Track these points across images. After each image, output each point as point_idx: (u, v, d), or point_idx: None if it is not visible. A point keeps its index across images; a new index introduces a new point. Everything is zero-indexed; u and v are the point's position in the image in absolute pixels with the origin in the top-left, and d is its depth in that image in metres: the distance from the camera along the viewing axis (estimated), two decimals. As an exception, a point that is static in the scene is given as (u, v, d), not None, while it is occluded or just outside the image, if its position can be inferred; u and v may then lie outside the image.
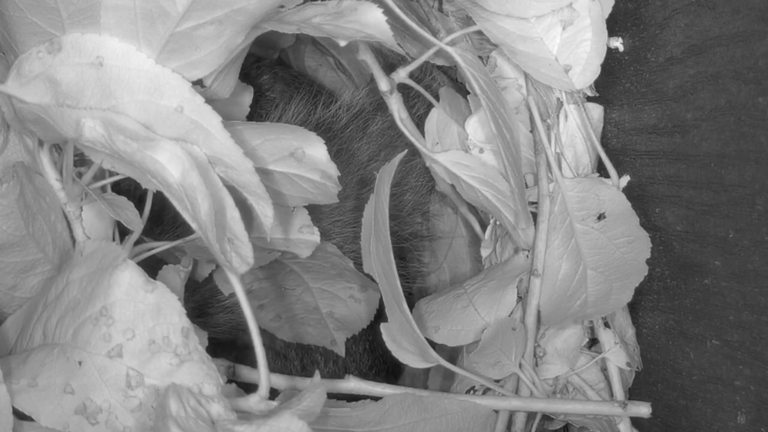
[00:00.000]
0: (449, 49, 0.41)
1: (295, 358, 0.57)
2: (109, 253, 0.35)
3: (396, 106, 0.45)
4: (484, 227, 0.54)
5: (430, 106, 0.49)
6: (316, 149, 0.40)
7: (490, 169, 0.44)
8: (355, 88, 0.57)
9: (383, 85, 0.44)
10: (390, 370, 0.61)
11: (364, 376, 0.43)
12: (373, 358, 0.59)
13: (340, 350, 0.52)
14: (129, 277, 0.34)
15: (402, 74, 0.45)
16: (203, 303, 0.52)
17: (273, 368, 0.37)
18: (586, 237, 0.44)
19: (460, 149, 0.46)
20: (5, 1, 0.34)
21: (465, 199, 0.46)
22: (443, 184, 0.49)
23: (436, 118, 0.48)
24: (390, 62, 0.55)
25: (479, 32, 0.45)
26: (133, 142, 0.33)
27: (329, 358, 0.58)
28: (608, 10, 0.44)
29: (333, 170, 0.40)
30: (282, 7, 0.37)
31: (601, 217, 0.44)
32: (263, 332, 0.52)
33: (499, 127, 0.40)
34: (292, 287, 0.52)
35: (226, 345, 0.53)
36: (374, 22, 0.37)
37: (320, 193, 0.41)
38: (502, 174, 0.44)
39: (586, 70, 0.44)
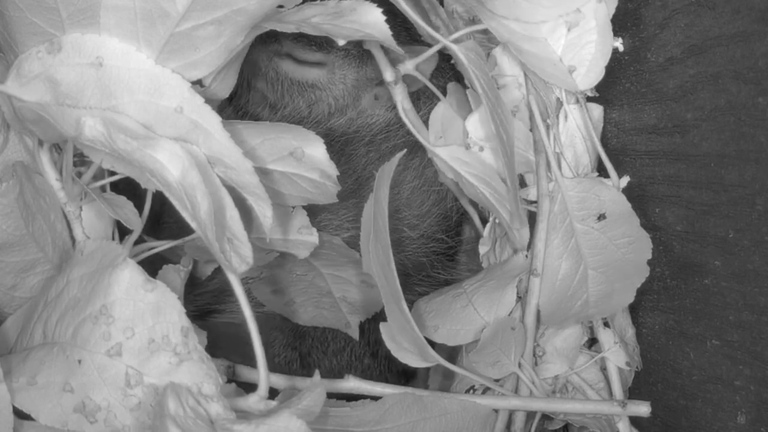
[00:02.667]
0: (453, 46, 0.41)
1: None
2: (110, 253, 0.35)
3: (400, 97, 0.45)
4: (484, 221, 0.54)
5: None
6: (316, 148, 0.40)
7: (488, 167, 0.44)
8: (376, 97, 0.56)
9: (388, 75, 0.44)
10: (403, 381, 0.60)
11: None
12: (380, 366, 0.59)
13: (354, 333, 0.52)
14: (129, 276, 0.34)
15: (409, 66, 0.45)
16: (213, 299, 0.52)
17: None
18: (586, 237, 0.44)
19: (462, 145, 0.46)
20: (5, 1, 0.34)
21: (467, 194, 0.46)
22: (444, 176, 0.49)
23: (441, 112, 0.48)
24: (392, 57, 0.55)
25: (482, 31, 0.45)
26: (133, 140, 0.33)
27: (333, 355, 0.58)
28: (611, 10, 0.43)
29: (332, 169, 0.40)
30: (281, 6, 0.37)
31: (601, 217, 0.43)
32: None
33: (498, 126, 0.40)
34: (303, 273, 0.52)
35: (231, 338, 0.53)
36: (373, 22, 0.37)
37: (319, 192, 0.41)
38: (499, 173, 0.44)
39: (590, 71, 0.43)
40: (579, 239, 0.44)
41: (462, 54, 0.41)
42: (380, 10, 0.37)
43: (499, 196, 0.44)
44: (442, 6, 0.49)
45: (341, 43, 0.36)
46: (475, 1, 0.43)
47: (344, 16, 0.37)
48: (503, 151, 0.41)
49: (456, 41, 0.42)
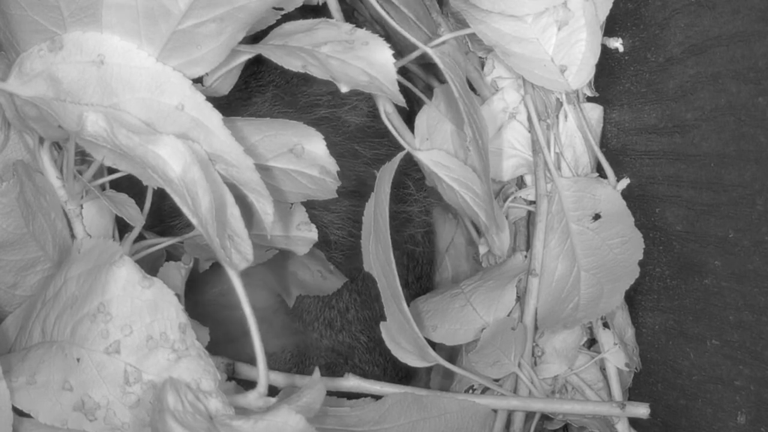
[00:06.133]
0: (430, 51, 0.41)
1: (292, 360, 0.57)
2: (107, 250, 0.35)
3: (382, 100, 0.45)
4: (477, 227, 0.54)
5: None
6: (315, 145, 0.40)
7: (469, 171, 0.43)
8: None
9: None
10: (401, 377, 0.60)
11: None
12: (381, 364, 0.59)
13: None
14: (126, 273, 0.34)
15: None
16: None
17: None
18: (581, 237, 0.44)
19: (451, 149, 0.45)
20: (7, -1, 0.34)
21: (445, 199, 0.45)
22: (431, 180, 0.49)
23: (426, 115, 0.47)
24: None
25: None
26: (135, 136, 0.33)
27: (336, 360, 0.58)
28: (605, 9, 0.44)
29: (332, 165, 0.40)
30: (280, 8, 0.38)
31: (596, 217, 0.44)
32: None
33: (474, 131, 0.40)
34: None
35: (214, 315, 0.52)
36: (382, 62, 0.36)
37: (319, 188, 0.41)
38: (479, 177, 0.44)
39: (581, 70, 0.44)
40: (574, 240, 0.44)
41: (438, 58, 0.41)
42: (392, 52, 0.37)
43: (480, 201, 0.43)
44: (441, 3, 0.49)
45: (344, 89, 0.36)
46: (462, 4, 0.43)
47: (355, 49, 0.37)
48: (478, 155, 0.40)
49: (442, 44, 0.42)
